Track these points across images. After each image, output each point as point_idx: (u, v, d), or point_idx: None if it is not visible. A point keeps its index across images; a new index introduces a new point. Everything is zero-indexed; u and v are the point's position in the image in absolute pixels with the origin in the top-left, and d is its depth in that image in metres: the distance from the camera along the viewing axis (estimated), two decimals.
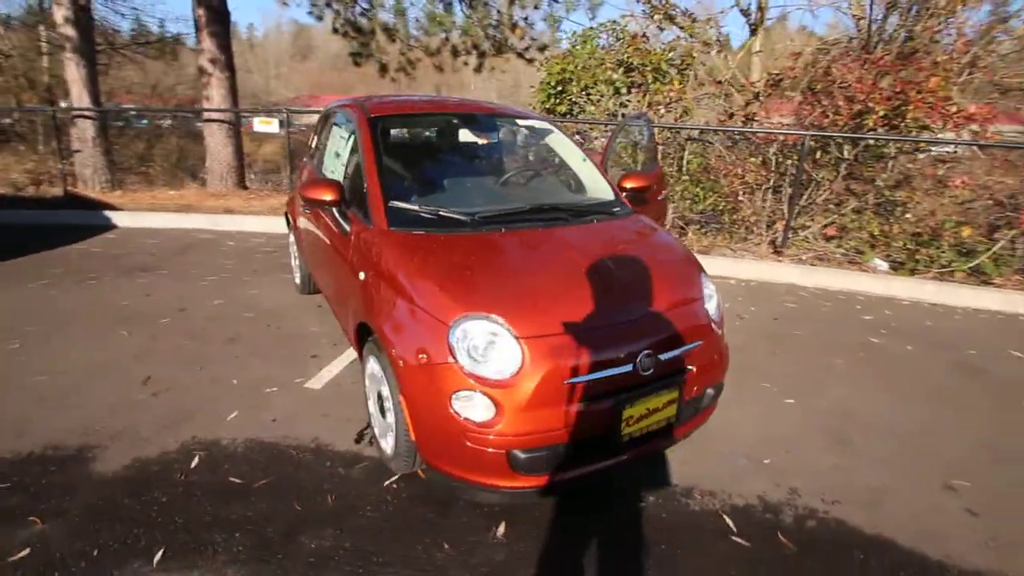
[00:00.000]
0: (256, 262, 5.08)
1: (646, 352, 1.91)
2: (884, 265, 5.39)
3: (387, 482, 2.18)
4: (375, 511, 2.03)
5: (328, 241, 2.79)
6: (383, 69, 8.94)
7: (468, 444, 1.76)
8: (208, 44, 6.84)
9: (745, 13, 7.38)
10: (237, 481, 2.15)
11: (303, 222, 3.47)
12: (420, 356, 1.85)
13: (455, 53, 8.84)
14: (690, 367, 2.05)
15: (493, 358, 1.76)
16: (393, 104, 2.93)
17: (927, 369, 3.43)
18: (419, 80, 9.85)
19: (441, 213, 2.29)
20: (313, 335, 3.50)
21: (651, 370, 1.91)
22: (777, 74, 6.10)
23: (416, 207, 2.31)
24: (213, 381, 2.90)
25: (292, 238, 4.05)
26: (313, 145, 3.74)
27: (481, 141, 3.01)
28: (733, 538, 1.97)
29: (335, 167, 2.92)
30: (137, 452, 2.30)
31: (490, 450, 1.76)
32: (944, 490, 2.28)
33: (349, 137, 2.80)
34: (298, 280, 4.10)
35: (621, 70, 5.88)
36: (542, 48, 8.20)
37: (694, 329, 2.10)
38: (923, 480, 2.34)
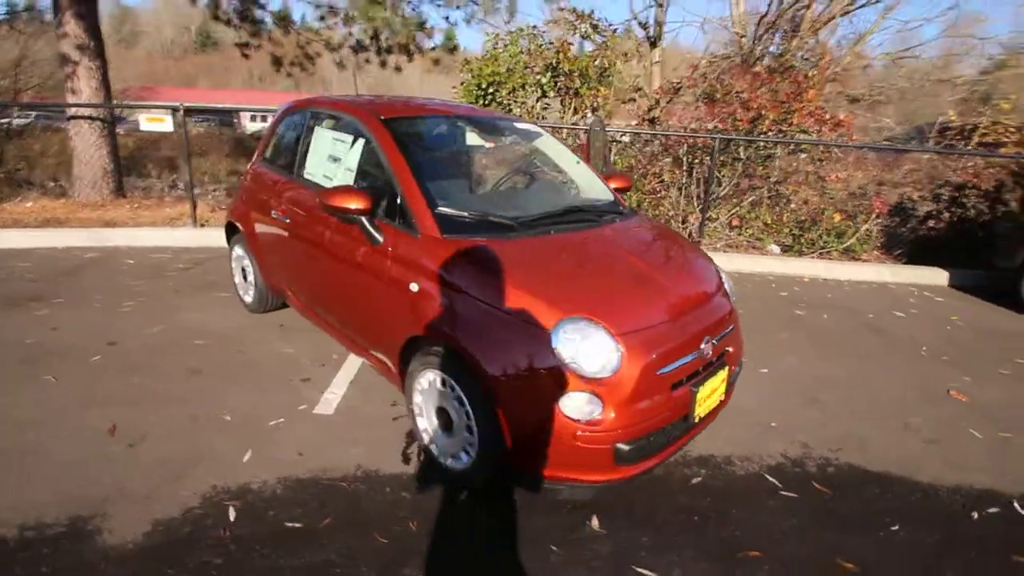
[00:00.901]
0: (173, 281, 4.41)
1: (706, 338, 2.10)
2: (777, 249, 6.32)
3: (460, 497, 2.11)
4: (466, 527, 1.96)
5: (335, 253, 2.57)
6: (277, 62, 8.21)
7: (578, 444, 1.79)
8: (73, 27, 5.67)
9: (644, 27, 8.07)
10: (297, 525, 1.93)
11: (270, 231, 3.12)
12: (519, 364, 1.83)
13: (357, 49, 8.43)
14: (729, 348, 2.29)
15: (596, 357, 1.81)
16: (401, 106, 2.78)
17: (846, 333, 4.13)
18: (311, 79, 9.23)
19: (490, 219, 2.26)
20: (290, 357, 3.18)
21: (710, 354, 2.11)
22: (677, 82, 6.80)
23: (464, 213, 2.24)
24: (197, 420, 2.52)
25: (240, 251, 3.61)
26: (273, 148, 3.38)
27: (488, 144, 2.98)
28: (782, 493, 2.25)
29: (335, 173, 2.70)
30: (150, 514, 1.94)
31: (598, 446, 1.81)
32: (905, 429, 2.82)
33: (353, 142, 2.61)
34: (249, 298, 3.66)
35: (548, 74, 6.11)
36: (452, 49, 8.16)
37: (727, 315, 2.35)
38: (887, 423, 2.85)
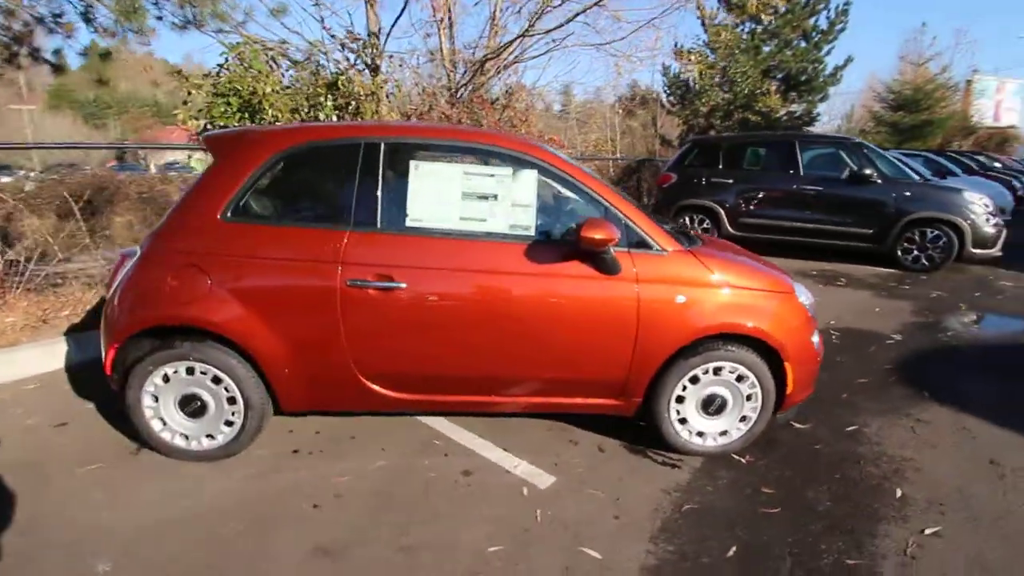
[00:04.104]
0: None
1: None
2: None
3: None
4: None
5: (533, 301, 2.23)
6: None
7: (816, 366, 2.54)
8: None
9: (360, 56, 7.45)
10: None
11: (332, 308, 2.20)
12: (791, 320, 2.40)
13: None
14: None
15: (808, 302, 2.57)
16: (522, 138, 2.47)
17: None
18: None
19: (681, 231, 2.57)
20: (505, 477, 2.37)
21: None
22: (414, 110, 7.23)
23: (668, 227, 2.47)
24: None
25: (204, 364, 2.23)
26: (268, 197, 2.22)
27: None
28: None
29: (492, 212, 2.21)
30: None
31: (816, 364, 2.60)
32: None
33: (515, 174, 2.24)
34: (228, 433, 2.33)
35: (329, 95, 5.32)
36: (105, 55, 5.88)
37: None
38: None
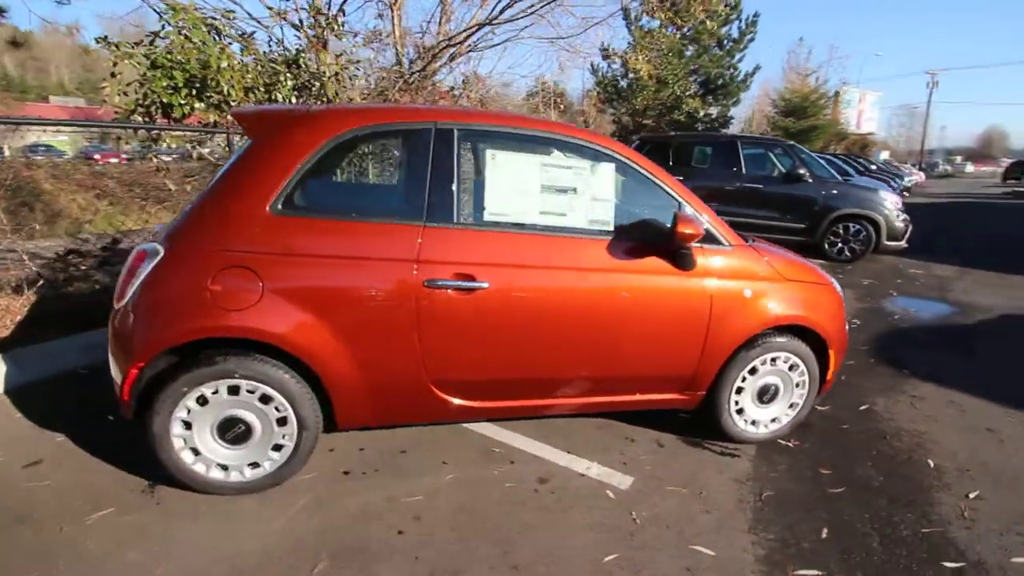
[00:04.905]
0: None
1: None
2: None
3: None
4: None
5: (610, 298, 2.17)
6: None
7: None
8: None
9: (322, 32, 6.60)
10: None
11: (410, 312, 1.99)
12: (837, 313, 2.56)
13: None
14: None
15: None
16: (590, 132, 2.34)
17: None
18: None
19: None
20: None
21: None
22: (367, 94, 6.77)
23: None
24: None
25: (250, 384, 1.91)
26: (319, 185, 1.94)
27: None
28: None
29: (572, 206, 2.09)
30: None
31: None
32: None
33: (593, 168, 2.14)
34: (277, 460, 2.04)
35: (288, 73, 4.69)
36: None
37: None
38: None
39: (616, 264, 2.17)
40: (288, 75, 4.87)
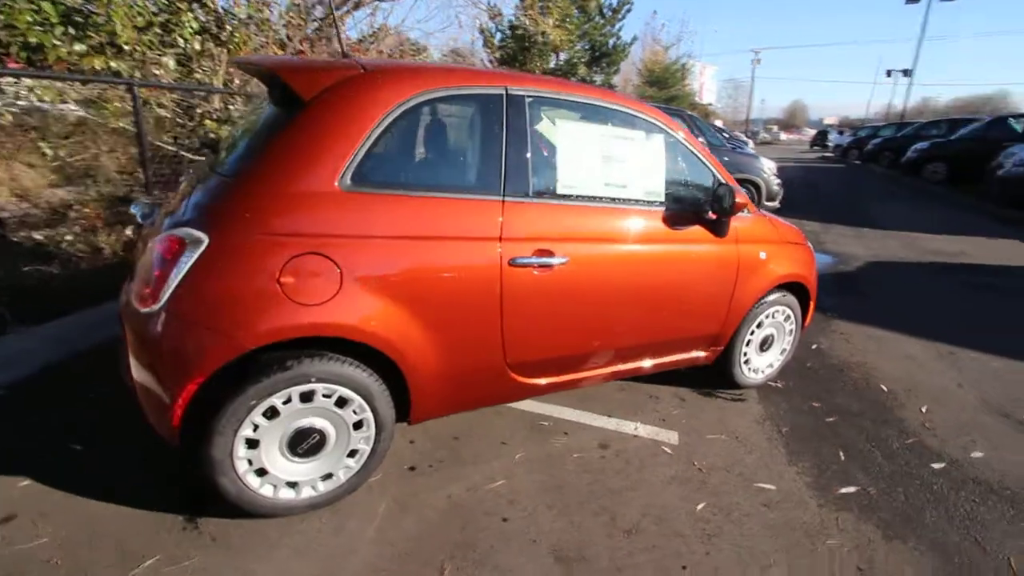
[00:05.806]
0: None
1: None
2: None
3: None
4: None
5: (666, 267, 2.26)
6: None
7: None
8: None
9: None
10: None
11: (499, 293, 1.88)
12: (813, 266, 2.94)
13: None
14: None
15: None
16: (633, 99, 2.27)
17: None
18: None
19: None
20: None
21: None
22: (266, 44, 5.90)
23: None
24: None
25: (348, 389, 1.69)
26: (391, 155, 1.69)
27: None
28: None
29: (627, 179, 2.08)
30: None
31: None
32: None
33: (646, 140, 2.15)
34: (354, 468, 1.86)
35: (190, 12, 3.70)
36: None
37: None
38: None
39: (671, 234, 2.26)
40: (191, 14, 4.02)
